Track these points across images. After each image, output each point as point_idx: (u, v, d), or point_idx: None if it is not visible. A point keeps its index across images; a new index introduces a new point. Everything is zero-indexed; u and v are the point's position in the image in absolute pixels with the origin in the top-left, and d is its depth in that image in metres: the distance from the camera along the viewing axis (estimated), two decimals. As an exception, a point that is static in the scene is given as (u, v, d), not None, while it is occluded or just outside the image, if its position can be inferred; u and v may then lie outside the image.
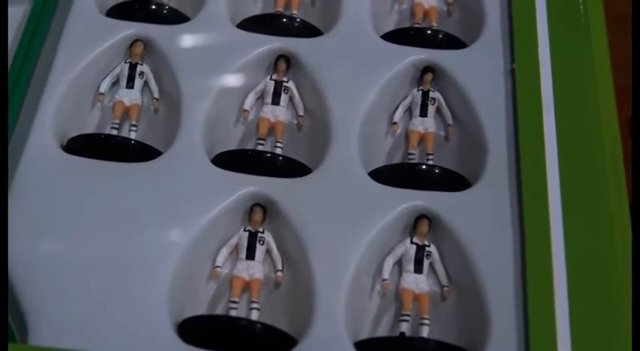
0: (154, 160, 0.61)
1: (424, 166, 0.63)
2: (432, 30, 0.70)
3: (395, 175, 0.63)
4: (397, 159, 0.66)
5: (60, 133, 0.63)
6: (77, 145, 0.62)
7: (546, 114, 0.63)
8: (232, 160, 0.62)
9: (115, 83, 0.67)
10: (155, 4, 0.70)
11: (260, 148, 0.65)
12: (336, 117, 0.64)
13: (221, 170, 0.61)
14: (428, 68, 0.67)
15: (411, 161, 0.65)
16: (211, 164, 0.62)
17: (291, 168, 0.62)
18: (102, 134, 0.64)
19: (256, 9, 0.73)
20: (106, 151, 0.62)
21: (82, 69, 0.66)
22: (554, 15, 0.68)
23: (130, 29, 0.68)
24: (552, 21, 0.67)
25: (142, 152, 0.62)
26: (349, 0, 0.70)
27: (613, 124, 0.63)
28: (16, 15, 0.68)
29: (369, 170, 0.63)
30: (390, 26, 0.72)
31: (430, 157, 0.65)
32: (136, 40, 0.67)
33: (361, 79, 0.66)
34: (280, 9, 0.71)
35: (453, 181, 0.62)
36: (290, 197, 0.60)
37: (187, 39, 0.68)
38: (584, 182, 0.60)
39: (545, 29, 0.67)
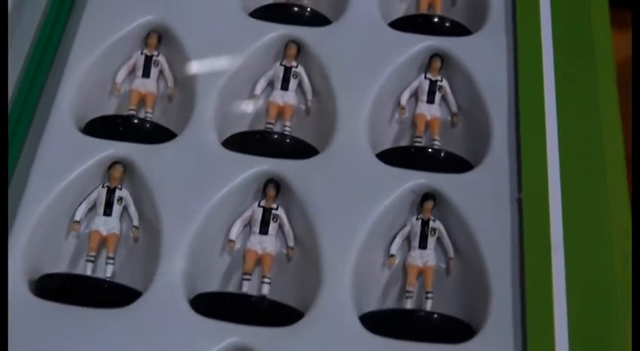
0: (130, 306, 0.57)
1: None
2: (433, 149, 0.65)
3: None
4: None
5: (31, 269, 0.59)
6: (48, 286, 0.58)
7: (555, 255, 0.58)
8: None
9: (92, 208, 0.62)
10: (137, 119, 0.65)
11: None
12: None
13: (205, 319, 0.57)
14: (428, 195, 0.62)
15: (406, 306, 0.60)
16: (191, 309, 0.57)
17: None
18: (73, 275, 0.60)
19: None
20: (78, 293, 0.57)
21: (57, 195, 0.61)
22: (566, 137, 0.63)
23: (109, 150, 0.63)
24: (564, 147, 0.63)
25: (118, 293, 0.58)
26: (344, 118, 0.66)
27: (626, 268, 0.58)
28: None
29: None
30: (389, 139, 0.68)
31: (429, 294, 0.60)
32: (114, 163, 0.62)
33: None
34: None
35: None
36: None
37: (171, 160, 0.63)
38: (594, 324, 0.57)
39: (556, 153, 0.63)
